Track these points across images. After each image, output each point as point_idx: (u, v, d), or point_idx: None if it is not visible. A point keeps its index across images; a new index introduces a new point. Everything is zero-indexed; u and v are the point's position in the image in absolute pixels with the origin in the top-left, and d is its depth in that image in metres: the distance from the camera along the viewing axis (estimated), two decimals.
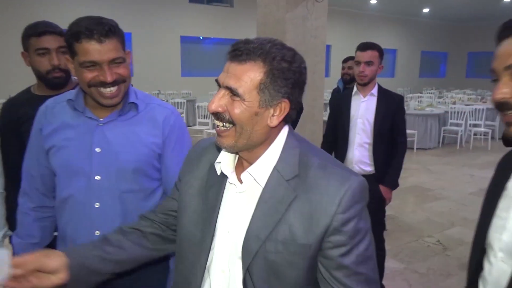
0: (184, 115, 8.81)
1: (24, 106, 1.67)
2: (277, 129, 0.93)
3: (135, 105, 1.29)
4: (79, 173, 1.25)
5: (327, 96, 7.91)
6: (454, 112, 8.39)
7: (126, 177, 1.26)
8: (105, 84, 1.18)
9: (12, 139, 1.64)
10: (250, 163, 0.93)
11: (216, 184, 0.98)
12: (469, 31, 17.31)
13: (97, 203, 1.26)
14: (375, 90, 2.55)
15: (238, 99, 0.85)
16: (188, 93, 11.14)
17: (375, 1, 12.99)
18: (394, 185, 2.55)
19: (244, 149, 0.92)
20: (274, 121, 0.89)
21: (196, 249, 0.97)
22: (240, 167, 0.97)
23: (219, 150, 1.00)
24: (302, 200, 0.88)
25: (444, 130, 8.36)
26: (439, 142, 8.30)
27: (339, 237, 0.86)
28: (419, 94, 11.50)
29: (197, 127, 8.21)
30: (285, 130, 0.95)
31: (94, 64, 1.15)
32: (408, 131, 6.64)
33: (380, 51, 2.49)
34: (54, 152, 1.27)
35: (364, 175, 2.59)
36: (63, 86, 1.67)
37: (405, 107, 7.74)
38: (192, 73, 11.95)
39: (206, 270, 0.97)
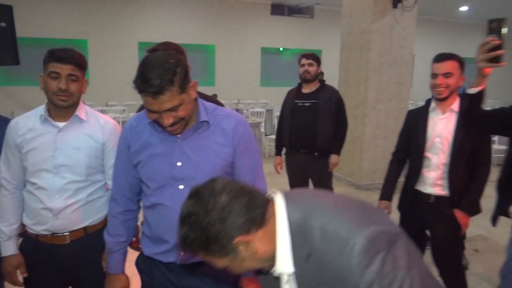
0: (262, 124, 9.02)
1: None
2: (269, 231, 0.91)
3: (207, 123, 1.41)
4: (165, 183, 1.41)
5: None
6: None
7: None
8: None
9: None
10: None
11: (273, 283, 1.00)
12: None
13: None
14: (455, 106, 2.24)
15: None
16: (266, 102, 11.39)
17: (466, 8, 12.23)
18: (470, 210, 2.23)
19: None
20: (258, 253, 0.90)
21: None
22: None
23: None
24: (323, 281, 0.86)
25: None
26: None
27: None
28: None
29: (274, 136, 8.36)
30: (278, 207, 0.92)
31: None
32: (498, 147, 6.15)
33: (460, 61, 2.21)
34: (141, 166, 1.44)
35: (439, 197, 2.28)
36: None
37: None
38: (270, 83, 12.19)
39: None
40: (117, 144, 1.73)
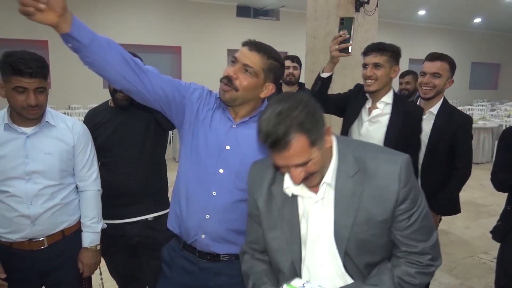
0: None
1: (100, 115, 1.96)
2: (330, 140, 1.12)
3: None
4: (207, 162, 1.40)
5: None
6: (509, 126, 8.04)
7: (243, 177, 1.36)
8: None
9: None
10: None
11: (287, 203, 1.17)
12: None
13: (215, 192, 1.39)
14: (435, 108, 2.27)
15: (310, 163, 1.02)
16: None
17: (424, 12, 12.75)
18: (440, 210, 2.25)
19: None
20: (328, 142, 1.08)
21: (287, 258, 1.18)
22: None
23: (278, 176, 1.18)
24: (370, 188, 1.08)
25: None
26: (492, 157, 7.97)
27: (406, 205, 1.08)
28: (470, 107, 11.12)
29: None
30: (334, 136, 1.14)
31: None
32: None
33: (451, 64, 2.26)
34: (195, 135, 1.43)
35: None
36: (126, 107, 1.91)
37: None
38: None
39: (305, 269, 1.17)
40: (86, 145, 1.73)
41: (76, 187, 1.77)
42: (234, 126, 1.40)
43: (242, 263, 1.30)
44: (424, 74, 2.26)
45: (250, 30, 11.75)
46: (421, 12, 12.80)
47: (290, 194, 1.15)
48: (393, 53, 2.08)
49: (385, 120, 2.05)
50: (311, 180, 1.08)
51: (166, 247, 1.57)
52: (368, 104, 2.14)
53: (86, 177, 1.74)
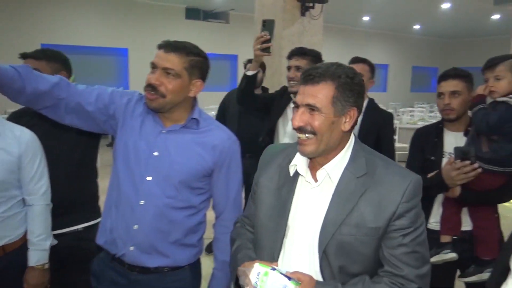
0: None
1: (24, 119, 1.82)
2: (347, 135, 1.13)
3: (197, 122, 1.37)
4: (134, 171, 1.34)
5: None
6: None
7: (172, 183, 1.33)
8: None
9: None
10: (323, 164, 1.12)
11: (287, 183, 1.18)
12: (459, 47, 17.70)
13: (142, 201, 1.33)
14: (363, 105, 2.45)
15: (317, 112, 1.05)
16: None
17: (368, 18, 13.30)
18: None
19: (323, 153, 1.10)
20: (347, 126, 1.10)
21: (271, 237, 1.17)
22: (313, 169, 1.15)
23: (290, 155, 1.20)
24: (371, 192, 1.07)
25: None
26: None
27: (403, 221, 1.05)
28: (411, 108, 11.73)
29: None
30: (352, 137, 1.16)
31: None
32: (400, 145, 6.82)
33: (371, 66, 2.45)
34: (124, 143, 1.38)
35: None
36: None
37: (398, 121, 7.75)
38: None
39: (282, 255, 1.16)
40: (34, 156, 1.61)
41: (23, 200, 1.64)
42: (163, 132, 1.37)
43: (232, 231, 1.35)
44: None
45: (199, 32, 11.67)
46: (366, 18, 13.35)
47: (292, 173, 1.17)
48: (314, 57, 2.28)
49: None
50: (307, 142, 1.08)
51: (96, 258, 1.50)
52: (293, 104, 2.29)
53: (34, 191, 1.62)
